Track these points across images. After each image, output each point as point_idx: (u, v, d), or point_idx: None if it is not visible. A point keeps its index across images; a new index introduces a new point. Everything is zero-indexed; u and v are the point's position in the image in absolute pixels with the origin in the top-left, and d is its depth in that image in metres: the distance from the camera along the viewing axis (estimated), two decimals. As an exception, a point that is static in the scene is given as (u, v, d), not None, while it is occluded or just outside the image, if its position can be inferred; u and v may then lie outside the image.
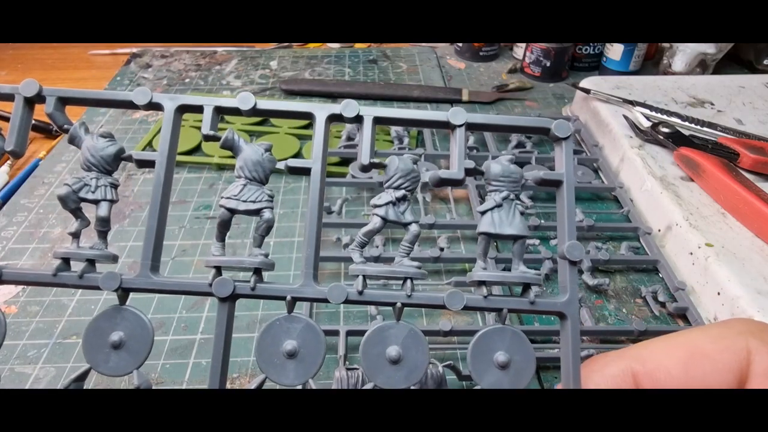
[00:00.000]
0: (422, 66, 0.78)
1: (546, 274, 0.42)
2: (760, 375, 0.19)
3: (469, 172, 0.23)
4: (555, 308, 0.23)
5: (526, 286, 0.23)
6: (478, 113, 0.24)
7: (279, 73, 0.75)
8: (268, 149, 0.24)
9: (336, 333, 0.36)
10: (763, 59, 0.77)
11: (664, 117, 0.54)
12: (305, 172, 0.23)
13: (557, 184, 0.23)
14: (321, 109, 0.24)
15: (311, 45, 0.85)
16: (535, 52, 0.72)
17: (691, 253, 0.41)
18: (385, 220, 0.23)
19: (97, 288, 0.22)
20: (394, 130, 0.57)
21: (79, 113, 0.62)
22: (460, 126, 0.23)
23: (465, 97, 0.69)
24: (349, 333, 0.36)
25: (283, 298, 0.22)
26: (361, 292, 0.22)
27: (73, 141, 0.23)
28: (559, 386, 0.22)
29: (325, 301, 0.22)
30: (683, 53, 0.70)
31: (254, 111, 0.23)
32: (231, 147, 0.23)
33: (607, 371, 0.21)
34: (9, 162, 0.55)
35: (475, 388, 0.30)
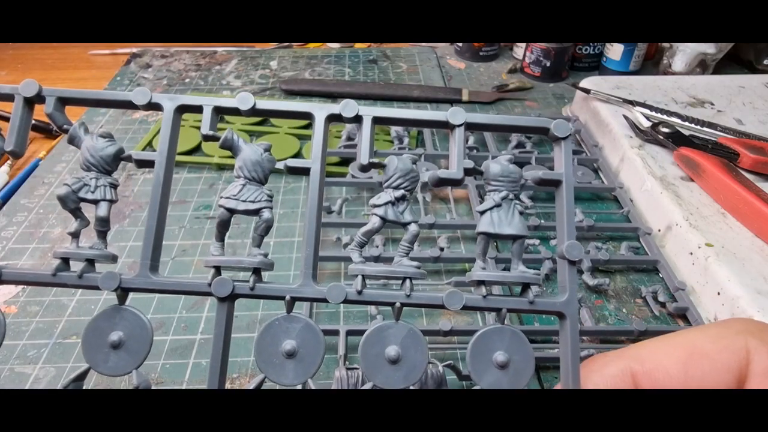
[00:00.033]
0: (422, 66, 0.78)
1: (546, 274, 0.42)
2: (759, 375, 0.19)
3: (468, 172, 0.23)
4: (554, 308, 0.23)
5: (526, 286, 0.23)
6: (477, 113, 0.24)
7: (279, 73, 0.75)
8: (268, 149, 0.24)
9: (336, 333, 0.36)
10: (763, 59, 0.77)
11: (664, 117, 0.54)
12: (304, 172, 0.23)
13: (556, 183, 0.23)
14: (320, 109, 0.24)
15: (311, 45, 0.85)
16: (535, 52, 0.72)
17: (691, 253, 0.41)
18: (384, 220, 0.23)
19: (97, 288, 0.22)
20: (394, 130, 0.57)
21: (79, 113, 0.62)
22: (459, 126, 0.23)
23: (465, 97, 0.69)
24: (349, 332, 0.36)
25: (282, 298, 0.22)
26: (360, 292, 0.22)
27: (73, 141, 0.23)
28: (558, 386, 0.22)
29: (324, 300, 0.22)
30: (683, 53, 0.70)
31: (253, 111, 0.23)
32: (230, 147, 0.23)
33: (606, 371, 0.21)
34: (9, 162, 0.55)
35: (474, 388, 0.30)
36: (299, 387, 0.23)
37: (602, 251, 0.44)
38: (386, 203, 0.23)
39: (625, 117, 0.55)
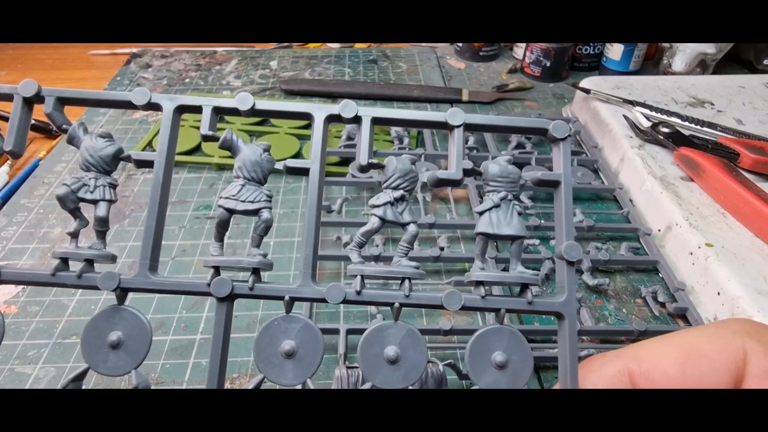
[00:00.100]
0: (422, 66, 0.78)
1: (546, 274, 0.42)
2: (756, 375, 0.19)
3: (467, 172, 0.23)
4: (552, 308, 0.23)
5: (524, 287, 0.23)
6: (477, 114, 0.24)
7: (279, 73, 0.75)
8: (267, 149, 0.24)
9: (336, 331, 0.36)
10: (763, 59, 0.77)
11: (664, 117, 0.54)
12: (304, 172, 0.23)
13: (555, 184, 0.23)
14: (320, 110, 0.24)
15: (311, 45, 0.85)
16: (535, 52, 0.72)
17: (691, 253, 0.41)
18: (383, 220, 0.23)
19: (96, 288, 0.22)
20: (394, 130, 0.57)
21: (80, 113, 0.62)
22: (458, 127, 0.23)
23: (465, 97, 0.69)
24: (349, 331, 0.36)
25: (282, 298, 0.23)
26: (359, 292, 0.22)
27: (72, 141, 0.23)
28: (556, 386, 0.22)
29: (324, 301, 0.22)
30: (683, 53, 0.70)
31: (253, 111, 0.23)
32: (229, 147, 0.23)
33: (604, 371, 0.21)
34: (9, 162, 0.55)
35: (473, 388, 0.30)
36: (298, 387, 0.23)
37: (602, 251, 0.44)
38: (385, 204, 0.23)
39: (625, 117, 0.55)
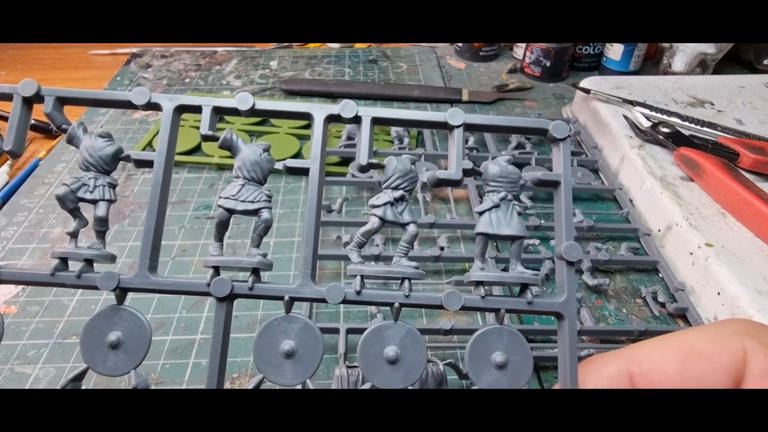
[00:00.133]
0: (422, 66, 0.78)
1: (546, 274, 0.42)
2: (756, 375, 0.19)
3: (467, 172, 0.23)
4: (552, 308, 0.23)
5: (524, 287, 0.23)
6: (477, 114, 0.24)
7: (279, 73, 0.75)
8: (267, 149, 0.24)
9: (336, 331, 0.36)
10: (763, 59, 0.77)
11: (664, 117, 0.54)
12: (304, 172, 0.23)
13: (555, 184, 0.23)
14: (319, 110, 0.24)
15: (311, 45, 0.85)
16: (535, 52, 0.72)
17: (691, 253, 0.41)
18: (383, 220, 0.23)
19: (95, 288, 0.22)
20: (394, 130, 0.57)
21: (79, 113, 0.62)
22: (458, 127, 0.23)
23: (465, 97, 0.69)
24: (349, 331, 0.36)
25: (281, 298, 0.22)
26: (359, 292, 0.22)
27: (72, 141, 0.23)
28: (556, 386, 0.22)
29: (323, 301, 0.22)
30: (683, 53, 0.70)
31: (252, 111, 0.23)
32: (229, 147, 0.23)
33: (604, 372, 0.21)
34: (9, 162, 0.55)
35: (473, 388, 0.30)
36: (298, 387, 0.23)
37: (602, 251, 0.44)
38: (385, 204, 0.23)
39: (625, 117, 0.55)
